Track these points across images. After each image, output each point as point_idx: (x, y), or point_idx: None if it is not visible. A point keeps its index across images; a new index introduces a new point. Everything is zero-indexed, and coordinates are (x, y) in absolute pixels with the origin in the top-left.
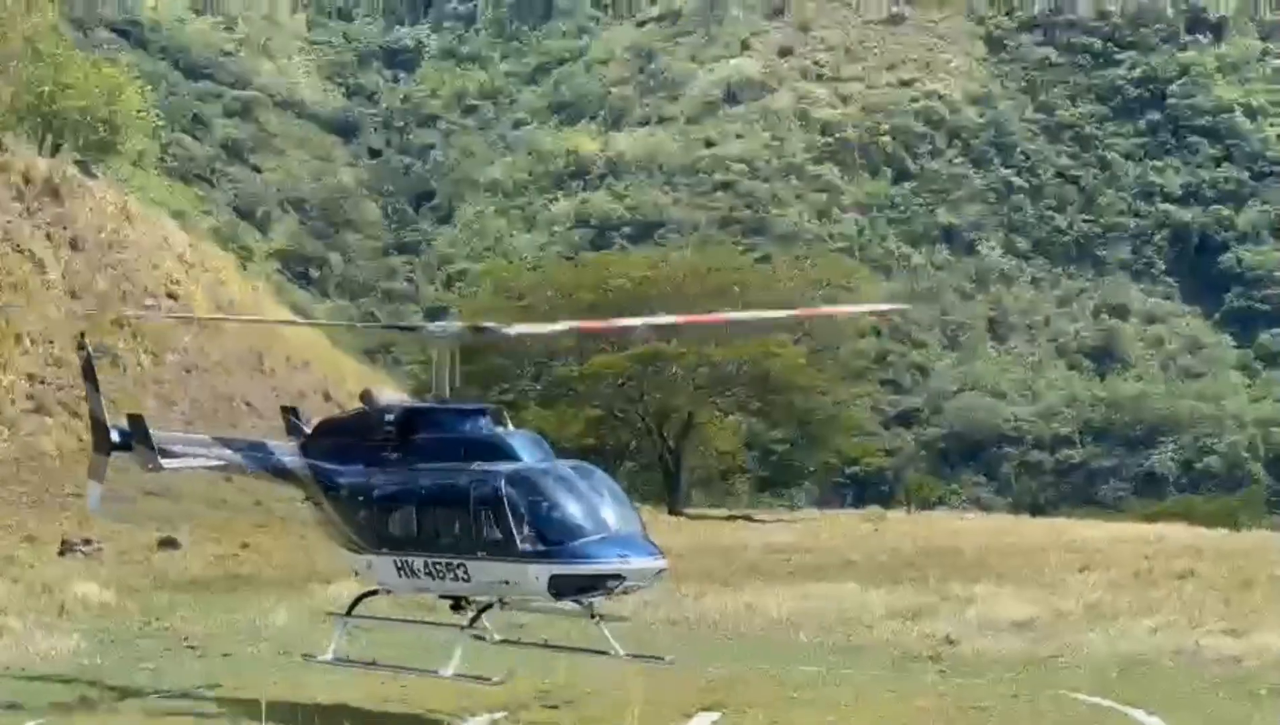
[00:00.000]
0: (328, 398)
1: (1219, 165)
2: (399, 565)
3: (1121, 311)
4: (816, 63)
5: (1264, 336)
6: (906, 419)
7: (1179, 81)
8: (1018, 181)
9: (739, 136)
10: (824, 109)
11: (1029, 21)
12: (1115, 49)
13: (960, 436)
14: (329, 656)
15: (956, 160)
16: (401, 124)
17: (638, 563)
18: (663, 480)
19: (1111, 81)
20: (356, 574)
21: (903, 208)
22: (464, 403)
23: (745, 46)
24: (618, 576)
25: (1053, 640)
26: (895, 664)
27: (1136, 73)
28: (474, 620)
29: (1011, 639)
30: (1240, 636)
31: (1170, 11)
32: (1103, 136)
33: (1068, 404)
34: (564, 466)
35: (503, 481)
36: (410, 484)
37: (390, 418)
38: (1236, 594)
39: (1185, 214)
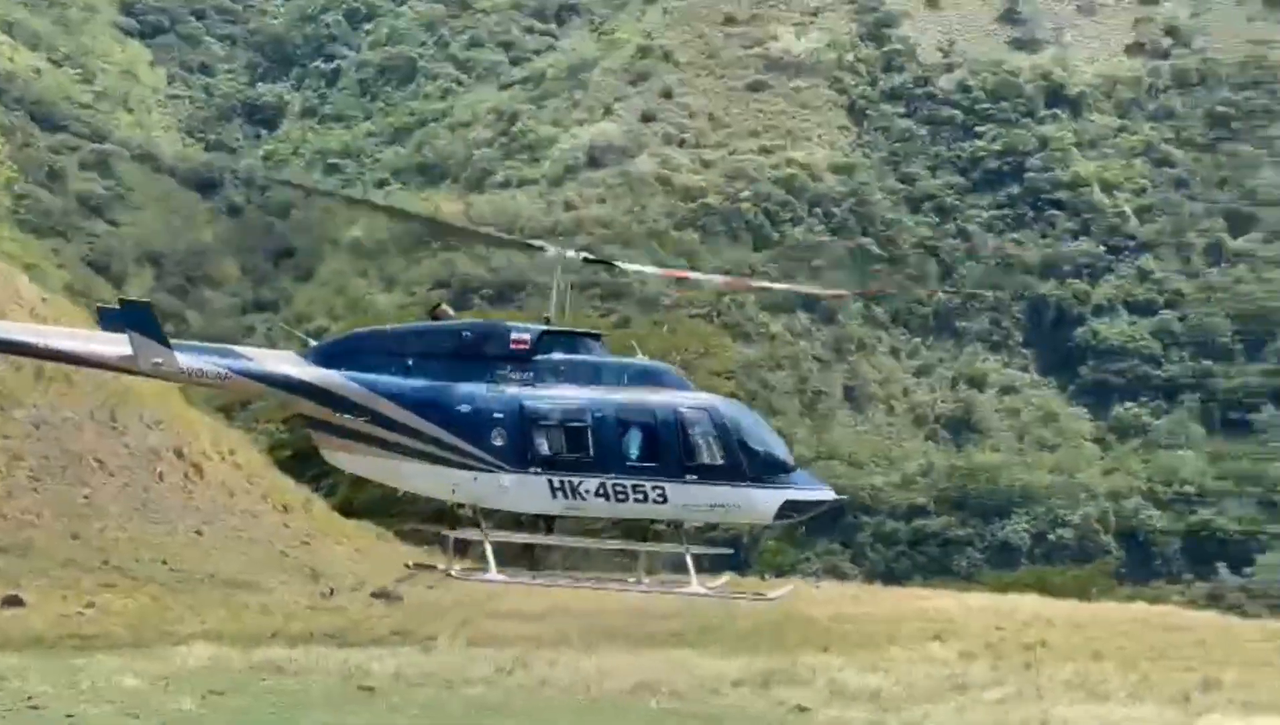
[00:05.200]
0: (180, 455)
1: (1076, 238)
2: (556, 486)
3: (979, 382)
4: (679, 128)
5: (1118, 410)
6: None
7: (1038, 155)
8: (877, 251)
9: (600, 201)
10: (686, 174)
11: (891, 92)
12: (975, 121)
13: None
14: (494, 574)
15: (817, 228)
16: (262, 181)
17: (834, 493)
18: (523, 546)
19: (972, 153)
20: (455, 491)
21: (763, 274)
22: (577, 327)
23: (608, 111)
24: (828, 502)
25: (904, 710)
26: None
27: (996, 145)
28: (682, 536)
29: (863, 708)
30: (1089, 707)
31: (1029, 87)
32: (962, 207)
33: (924, 473)
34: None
35: (724, 409)
36: (588, 403)
37: (521, 336)
38: (1086, 665)
39: (1042, 286)
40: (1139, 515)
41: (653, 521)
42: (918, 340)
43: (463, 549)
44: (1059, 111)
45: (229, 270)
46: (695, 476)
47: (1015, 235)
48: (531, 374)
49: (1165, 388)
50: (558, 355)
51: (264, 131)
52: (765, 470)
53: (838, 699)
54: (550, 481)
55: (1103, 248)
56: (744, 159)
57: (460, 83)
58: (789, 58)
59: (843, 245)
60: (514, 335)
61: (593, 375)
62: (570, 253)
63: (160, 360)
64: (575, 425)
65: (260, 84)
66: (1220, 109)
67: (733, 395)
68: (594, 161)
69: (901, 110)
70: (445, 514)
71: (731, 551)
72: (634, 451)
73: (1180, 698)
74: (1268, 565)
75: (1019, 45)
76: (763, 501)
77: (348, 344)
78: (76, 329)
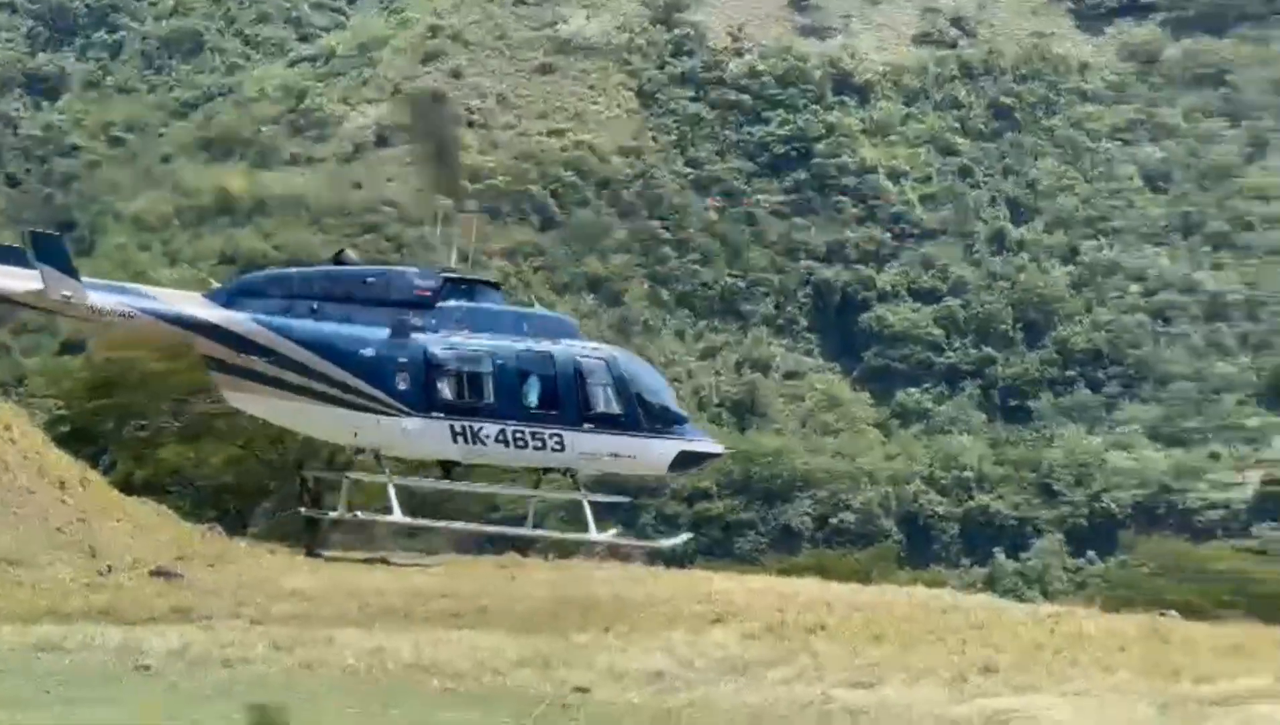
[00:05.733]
0: None
1: (861, 224)
2: (458, 431)
3: (763, 366)
4: (468, 109)
5: (900, 395)
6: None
7: (825, 141)
8: (665, 234)
9: (389, 180)
10: (474, 155)
11: (680, 76)
12: (764, 107)
13: (598, 486)
14: (398, 516)
15: (605, 211)
16: (42, 153)
17: (722, 447)
18: (302, 522)
19: (759, 138)
20: (357, 435)
21: (549, 256)
22: (477, 274)
23: (397, 90)
24: (718, 455)
25: (684, 691)
26: (524, 712)
27: (784, 131)
28: (578, 484)
29: (643, 689)
30: (868, 689)
31: (817, 74)
32: (749, 192)
33: None
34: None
35: (622, 359)
36: (490, 351)
37: (425, 283)
38: (865, 647)
39: (828, 272)
40: (919, 500)
41: (547, 469)
42: (703, 323)
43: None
44: (846, 99)
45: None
46: (593, 425)
47: (801, 220)
48: (434, 320)
49: (947, 374)
50: (459, 302)
51: (45, 102)
52: (661, 421)
53: (618, 680)
54: (452, 427)
55: (888, 235)
56: (533, 140)
57: (248, 58)
58: (579, 40)
59: (629, 227)
60: (418, 282)
61: (493, 323)
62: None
63: (70, 293)
64: (477, 372)
65: (41, 53)
66: (1004, 100)
67: None
68: (383, 141)
69: (690, 94)
70: (229, 488)
71: (627, 499)
72: (534, 399)
73: (957, 680)
74: (1043, 550)
75: (808, 32)
76: (659, 452)
77: (252, 286)
78: None
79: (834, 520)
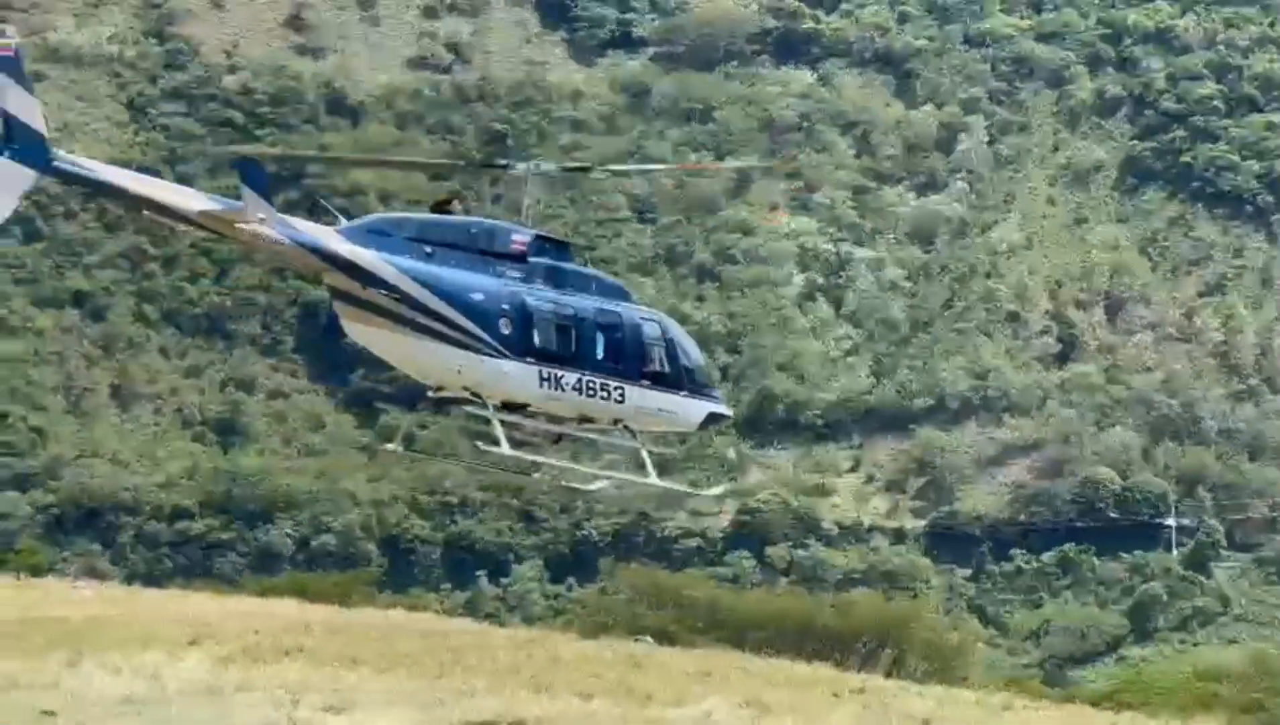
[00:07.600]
0: None
1: None
2: (544, 376)
3: (248, 385)
4: None
5: (385, 418)
6: (22, 483)
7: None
8: (152, 250)
9: None
10: None
11: (173, 90)
12: (256, 124)
13: (76, 503)
14: (505, 450)
15: (91, 224)
16: None
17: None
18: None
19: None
20: (460, 372)
21: (32, 269)
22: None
23: None
24: (728, 417)
25: (153, 715)
26: None
27: (276, 150)
28: (635, 435)
29: (112, 712)
30: (341, 713)
31: (311, 93)
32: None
33: (189, 475)
34: None
35: (670, 324)
36: (576, 305)
37: (521, 238)
38: (342, 671)
39: (315, 291)
40: (402, 523)
41: (585, 418)
42: (188, 341)
43: None
44: (340, 120)
45: None
46: (648, 382)
47: None
48: (524, 273)
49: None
50: (546, 259)
51: None
52: (698, 383)
53: (86, 704)
54: (540, 372)
55: None
56: None
57: None
58: (68, 49)
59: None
60: (515, 236)
61: (570, 281)
62: (543, 165)
63: (264, 217)
64: (564, 324)
65: None
66: (496, 126)
67: None
68: None
69: (182, 109)
70: None
71: (675, 452)
72: (603, 353)
73: (433, 703)
74: (523, 575)
75: (303, 51)
76: (696, 411)
77: (376, 226)
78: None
79: (315, 542)
